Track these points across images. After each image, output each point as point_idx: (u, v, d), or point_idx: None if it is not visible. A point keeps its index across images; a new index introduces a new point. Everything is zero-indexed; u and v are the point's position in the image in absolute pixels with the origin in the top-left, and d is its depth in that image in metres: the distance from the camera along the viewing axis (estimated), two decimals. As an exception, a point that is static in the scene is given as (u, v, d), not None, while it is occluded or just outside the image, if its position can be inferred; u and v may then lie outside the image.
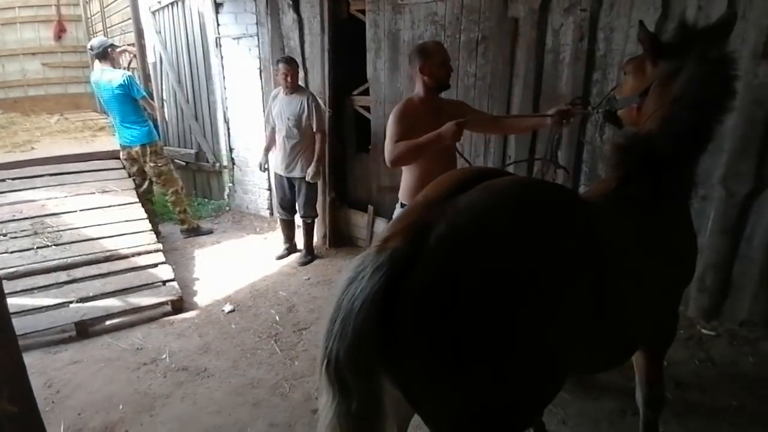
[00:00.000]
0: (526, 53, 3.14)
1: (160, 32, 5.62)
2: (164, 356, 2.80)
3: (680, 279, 1.71)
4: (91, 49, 4.22)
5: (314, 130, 3.80)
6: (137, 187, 4.46)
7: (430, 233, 1.05)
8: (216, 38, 4.84)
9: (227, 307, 3.34)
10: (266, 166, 4.23)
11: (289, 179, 3.96)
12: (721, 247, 2.80)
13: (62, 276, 3.38)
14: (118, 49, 4.40)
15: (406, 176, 2.46)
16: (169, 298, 3.32)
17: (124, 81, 4.09)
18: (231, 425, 2.24)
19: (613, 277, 1.24)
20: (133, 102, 4.19)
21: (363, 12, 3.83)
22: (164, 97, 5.83)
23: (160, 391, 2.50)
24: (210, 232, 4.82)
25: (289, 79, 3.70)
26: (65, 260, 3.50)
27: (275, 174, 4.06)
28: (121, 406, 2.38)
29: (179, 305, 3.33)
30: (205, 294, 3.58)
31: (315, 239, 4.25)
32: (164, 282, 3.48)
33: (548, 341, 1.09)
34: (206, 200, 5.74)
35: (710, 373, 2.51)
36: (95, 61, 4.25)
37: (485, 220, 1.09)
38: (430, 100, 2.39)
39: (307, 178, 3.87)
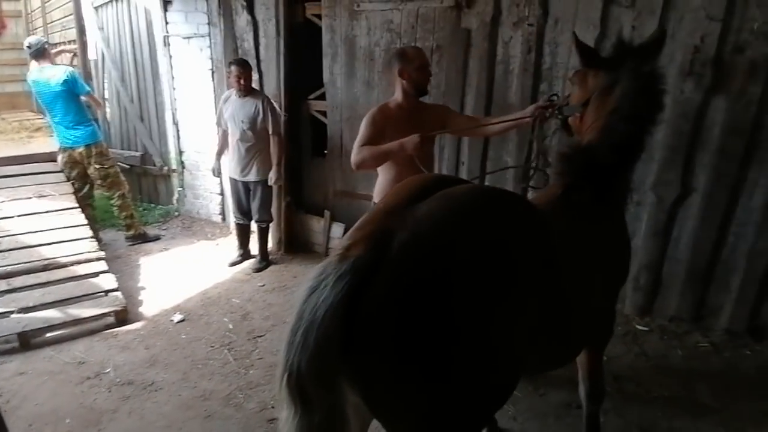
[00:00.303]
0: (478, 63, 3.27)
1: (102, 28, 5.33)
2: (108, 370, 2.67)
3: (617, 279, 1.84)
4: (29, 47, 3.97)
5: (270, 132, 3.74)
6: (77, 191, 4.20)
7: (392, 241, 1.06)
8: (164, 37, 4.65)
9: (176, 317, 3.22)
10: (219, 171, 4.12)
11: (245, 183, 3.88)
12: (652, 248, 3.04)
13: (2, 285, 3.20)
14: (55, 50, 4.17)
15: (381, 178, 2.49)
16: (112, 309, 3.15)
17: (67, 77, 3.88)
18: (182, 439, 2.17)
19: (563, 278, 1.32)
20: (76, 100, 3.98)
21: (319, 17, 3.82)
22: (106, 96, 5.54)
23: (105, 405, 2.38)
24: (157, 238, 4.62)
25: (242, 81, 3.63)
26: (5, 268, 3.30)
27: (230, 179, 3.95)
28: (67, 420, 2.28)
29: (123, 316, 3.16)
30: (152, 304, 3.43)
31: (270, 245, 4.18)
32: (107, 292, 3.30)
33: (508, 344, 1.13)
34: (152, 205, 5.48)
35: (644, 366, 2.71)
36: (33, 59, 4.00)
37: (445, 228, 1.12)
38: (408, 105, 2.40)
39: (269, 183, 3.80)
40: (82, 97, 4.03)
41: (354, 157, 2.29)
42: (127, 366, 2.70)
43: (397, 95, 2.42)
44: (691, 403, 2.40)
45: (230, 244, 4.41)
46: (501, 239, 1.17)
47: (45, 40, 4.13)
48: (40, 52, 3.94)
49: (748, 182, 2.73)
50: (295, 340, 1.00)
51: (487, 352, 1.09)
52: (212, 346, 2.91)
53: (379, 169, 2.46)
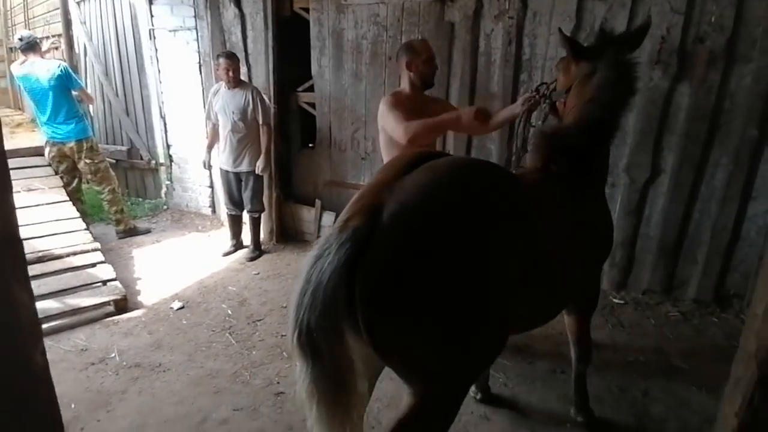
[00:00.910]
0: (461, 55, 3.43)
1: (84, 23, 5.30)
2: (113, 355, 2.73)
3: (599, 246, 2.00)
4: (20, 39, 3.96)
5: (260, 122, 3.82)
6: (66, 185, 4.20)
7: (383, 211, 1.21)
8: (150, 30, 4.66)
9: (176, 304, 3.29)
10: (210, 164, 4.18)
11: (236, 174, 3.95)
12: (626, 226, 3.26)
13: (-8, 279, 3.17)
14: (44, 48, 4.16)
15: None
16: (112, 297, 3.20)
17: (61, 72, 3.89)
18: (195, 413, 2.27)
19: (544, 239, 1.47)
20: (68, 95, 3.98)
21: (306, 10, 3.92)
22: (89, 91, 5.50)
23: (114, 387, 2.45)
24: (148, 231, 4.65)
25: (230, 73, 3.70)
26: (-7, 262, 3.27)
27: (221, 170, 4.02)
28: (73, 405, 2.31)
29: (123, 305, 3.22)
30: (149, 293, 3.49)
31: (262, 235, 4.27)
32: (105, 282, 3.34)
33: (487, 295, 1.27)
34: (140, 199, 5.50)
35: (621, 335, 2.94)
36: (23, 53, 3.98)
37: (428, 196, 1.26)
38: (415, 97, 2.46)
39: (257, 171, 3.88)
40: (74, 92, 4.03)
41: (406, 133, 2.23)
42: (132, 350, 2.77)
43: (404, 86, 2.49)
44: (664, 365, 2.63)
45: (222, 235, 4.48)
46: (481, 204, 1.31)
47: (35, 35, 4.10)
48: (32, 46, 3.93)
49: (710, 162, 2.98)
50: (303, 301, 1.14)
51: (470, 302, 1.24)
52: (213, 330, 3.00)
53: (386, 154, 2.54)
